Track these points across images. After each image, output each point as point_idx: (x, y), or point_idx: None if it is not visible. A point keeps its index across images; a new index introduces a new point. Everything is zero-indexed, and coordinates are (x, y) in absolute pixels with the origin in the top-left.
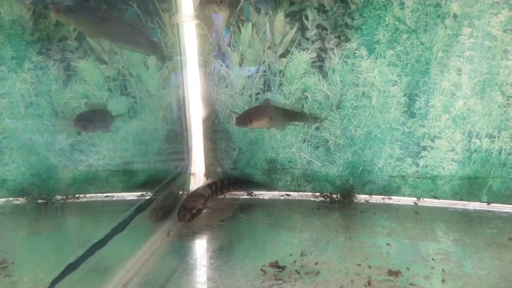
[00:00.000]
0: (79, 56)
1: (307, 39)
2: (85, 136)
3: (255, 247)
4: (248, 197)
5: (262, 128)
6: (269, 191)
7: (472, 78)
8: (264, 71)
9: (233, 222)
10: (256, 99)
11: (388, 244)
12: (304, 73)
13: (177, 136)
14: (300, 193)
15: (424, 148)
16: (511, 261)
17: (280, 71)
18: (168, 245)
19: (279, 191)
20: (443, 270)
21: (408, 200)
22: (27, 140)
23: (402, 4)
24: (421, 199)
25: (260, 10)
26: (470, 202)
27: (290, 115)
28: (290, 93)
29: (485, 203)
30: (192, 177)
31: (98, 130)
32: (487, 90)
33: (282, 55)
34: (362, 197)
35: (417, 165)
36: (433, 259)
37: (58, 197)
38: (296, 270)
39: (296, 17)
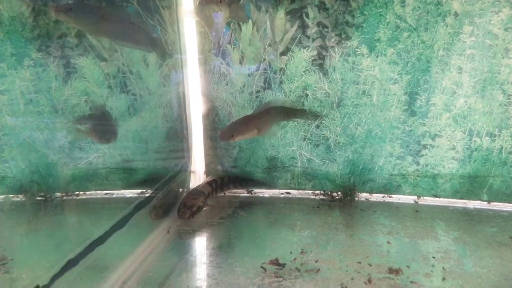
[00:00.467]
0: (79, 53)
1: (308, 37)
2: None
3: (255, 244)
4: (248, 195)
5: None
6: (269, 189)
7: (473, 77)
8: (265, 69)
9: (233, 220)
10: (257, 96)
11: (388, 242)
12: (304, 71)
13: (177, 134)
14: (300, 191)
15: (425, 146)
16: (511, 260)
17: (281, 69)
18: (167, 242)
19: (279, 189)
20: (443, 268)
21: (409, 199)
22: (27, 137)
23: (403, 2)
24: (422, 197)
25: (260, 7)
26: (471, 201)
27: (290, 113)
28: (290, 91)
29: (485, 202)
30: (192, 175)
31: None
32: (488, 88)
33: (283, 53)
34: (362, 195)
35: (418, 163)
36: (433, 257)
37: (58, 194)
38: (296, 268)
39: (296, 15)
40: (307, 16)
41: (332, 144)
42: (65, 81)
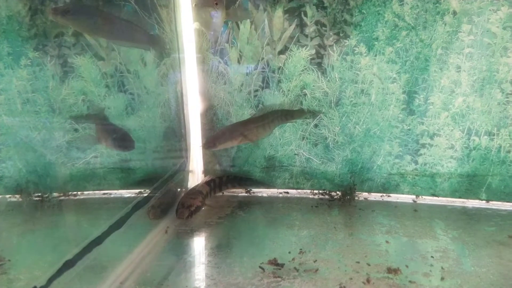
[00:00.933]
0: (76, 52)
1: (306, 36)
2: (82, 133)
3: (253, 244)
4: (246, 194)
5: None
6: (267, 188)
7: (471, 76)
8: (263, 68)
9: (232, 220)
10: (255, 96)
11: (387, 242)
12: (303, 70)
13: (175, 133)
14: (299, 190)
15: (423, 145)
16: (510, 259)
17: (279, 68)
18: (166, 242)
19: (277, 188)
20: (442, 268)
21: (407, 198)
22: (24, 137)
23: (401, 0)
24: (420, 196)
25: (258, 6)
26: (469, 200)
27: (288, 115)
28: (288, 90)
29: (484, 201)
30: (190, 175)
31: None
32: (486, 87)
33: (281, 52)
34: (361, 195)
35: (416, 162)
36: (432, 257)
37: (55, 194)
38: (295, 268)
39: (294, 13)
40: (305, 15)
41: (330, 143)
42: (62, 80)
